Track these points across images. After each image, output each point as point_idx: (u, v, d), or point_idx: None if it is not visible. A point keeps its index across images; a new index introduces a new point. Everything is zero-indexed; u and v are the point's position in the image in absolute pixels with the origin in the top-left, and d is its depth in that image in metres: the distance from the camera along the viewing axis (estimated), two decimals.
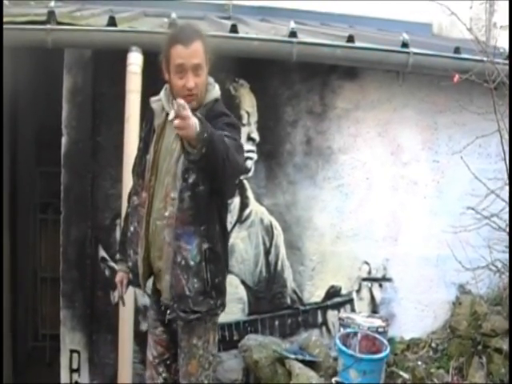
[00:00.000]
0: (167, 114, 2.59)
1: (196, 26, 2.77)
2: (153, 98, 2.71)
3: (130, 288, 2.98)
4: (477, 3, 5.32)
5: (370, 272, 4.19)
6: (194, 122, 2.17)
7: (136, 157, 2.83)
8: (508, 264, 3.73)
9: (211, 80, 2.67)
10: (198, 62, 2.52)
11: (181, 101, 2.14)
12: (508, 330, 3.73)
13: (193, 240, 2.56)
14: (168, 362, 2.83)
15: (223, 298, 2.72)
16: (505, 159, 3.62)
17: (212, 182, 2.52)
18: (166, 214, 2.58)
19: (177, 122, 2.14)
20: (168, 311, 2.68)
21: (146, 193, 2.66)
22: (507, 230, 3.72)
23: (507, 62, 3.78)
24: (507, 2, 4.55)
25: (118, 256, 2.96)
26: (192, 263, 2.56)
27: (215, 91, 2.67)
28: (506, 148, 3.59)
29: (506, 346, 3.71)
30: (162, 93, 2.67)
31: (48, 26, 3.40)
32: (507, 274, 3.86)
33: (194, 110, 2.47)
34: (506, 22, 4.75)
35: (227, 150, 2.31)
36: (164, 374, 2.84)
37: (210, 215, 2.60)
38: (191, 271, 2.56)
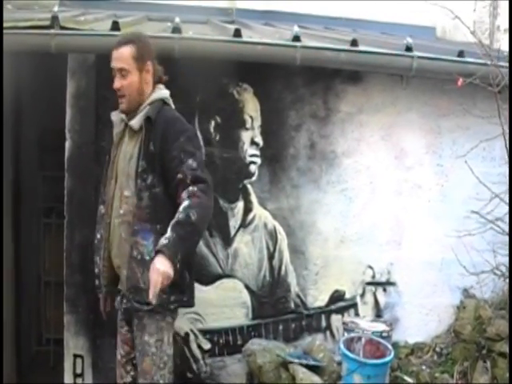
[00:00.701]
0: (126, 124, 2.83)
1: (140, 33, 3.01)
2: (113, 112, 2.94)
3: None
4: (480, 6, 5.32)
5: (373, 276, 4.17)
6: (165, 267, 2.43)
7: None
8: None
9: (161, 86, 2.85)
10: (120, 66, 2.73)
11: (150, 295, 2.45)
12: None
13: (149, 236, 2.69)
14: (134, 361, 2.90)
15: (178, 295, 2.79)
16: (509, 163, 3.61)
17: (167, 187, 2.69)
18: (121, 211, 2.74)
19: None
20: (124, 301, 2.82)
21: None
22: None
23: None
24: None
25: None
26: (147, 258, 2.67)
27: (162, 92, 2.83)
28: None
29: None
30: None
31: (52, 31, 3.40)
32: None
33: (125, 113, 2.80)
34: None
35: (195, 220, 2.52)
36: (132, 373, 2.94)
37: (166, 215, 2.66)
38: (146, 266, 2.64)
